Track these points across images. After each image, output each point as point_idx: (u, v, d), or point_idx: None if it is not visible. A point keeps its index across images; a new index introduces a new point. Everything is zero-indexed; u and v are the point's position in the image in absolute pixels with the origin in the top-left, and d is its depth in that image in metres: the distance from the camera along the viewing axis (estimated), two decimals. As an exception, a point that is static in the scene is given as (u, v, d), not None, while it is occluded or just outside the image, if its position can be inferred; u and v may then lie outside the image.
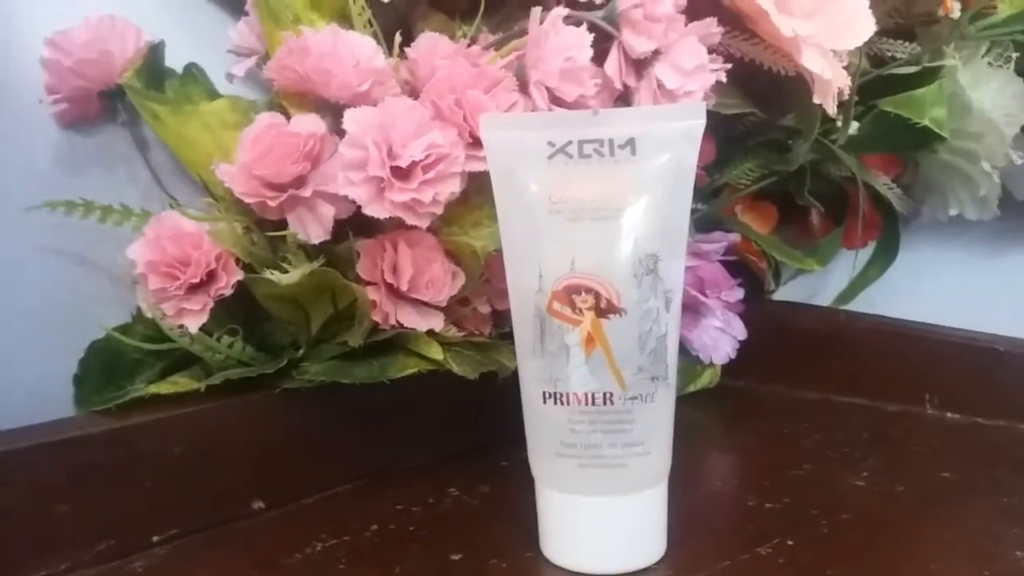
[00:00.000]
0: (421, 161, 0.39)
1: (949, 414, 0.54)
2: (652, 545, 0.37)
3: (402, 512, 0.43)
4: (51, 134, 0.45)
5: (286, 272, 0.41)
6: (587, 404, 0.35)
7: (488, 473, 0.47)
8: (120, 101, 0.46)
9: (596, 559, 0.37)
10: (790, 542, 0.39)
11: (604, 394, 0.35)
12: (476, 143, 0.40)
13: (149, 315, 0.42)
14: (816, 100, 0.45)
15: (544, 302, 0.35)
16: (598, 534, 0.36)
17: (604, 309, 0.35)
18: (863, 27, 0.45)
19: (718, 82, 0.43)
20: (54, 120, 0.45)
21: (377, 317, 0.42)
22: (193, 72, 0.47)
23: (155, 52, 0.46)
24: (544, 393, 0.36)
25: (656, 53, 0.42)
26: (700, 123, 0.36)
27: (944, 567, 0.37)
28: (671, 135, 0.35)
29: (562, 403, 0.36)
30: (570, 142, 0.35)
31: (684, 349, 0.56)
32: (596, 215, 0.35)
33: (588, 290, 0.35)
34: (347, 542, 0.40)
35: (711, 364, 0.58)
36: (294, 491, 0.44)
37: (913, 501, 0.43)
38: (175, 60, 0.47)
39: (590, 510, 0.36)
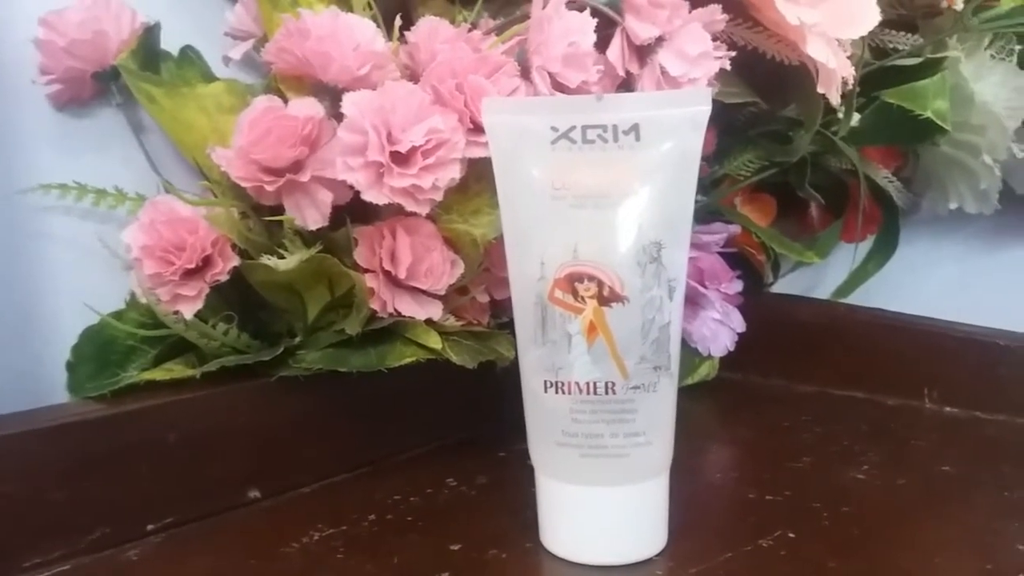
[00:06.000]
0: (421, 146, 0.39)
1: (948, 408, 0.53)
2: (653, 536, 0.37)
3: (400, 502, 0.42)
4: (44, 115, 0.44)
5: (283, 258, 0.40)
6: (589, 393, 0.35)
7: (486, 463, 0.46)
8: (114, 83, 0.45)
9: (597, 550, 0.36)
10: (792, 534, 0.38)
11: (606, 383, 0.35)
12: (477, 129, 0.40)
13: (144, 300, 0.42)
14: (820, 90, 0.45)
15: (546, 290, 0.35)
16: (599, 525, 0.36)
17: (607, 297, 0.34)
18: (868, 16, 0.45)
19: (720, 71, 0.43)
20: (47, 101, 0.44)
21: (375, 305, 0.42)
22: (189, 54, 0.46)
23: (151, 34, 0.45)
24: (545, 382, 0.36)
25: (660, 40, 0.42)
26: (706, 109, 0.35)
27: (947, 560, 0.37)
28: (676, 121, 0.35)
29: (564, 392, 0.35)
30: (574, 127, 0.35)
31: (683, 341, 0.55)
32: (599, 202, 0.35)
33: (591, 278, 0.34)
34: (345, 531, 0.40)
35: (709, 356, 0.57)
36: (291, 480, 0.44)
37: (914, 495, 0.42)
38: (171, 43, 0.46)
39: (591, 500, 0.36)
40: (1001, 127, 0.56)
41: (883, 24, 0.49)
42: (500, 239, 0.39)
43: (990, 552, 0.37)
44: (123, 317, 0.44)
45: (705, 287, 0.56)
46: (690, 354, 0.57)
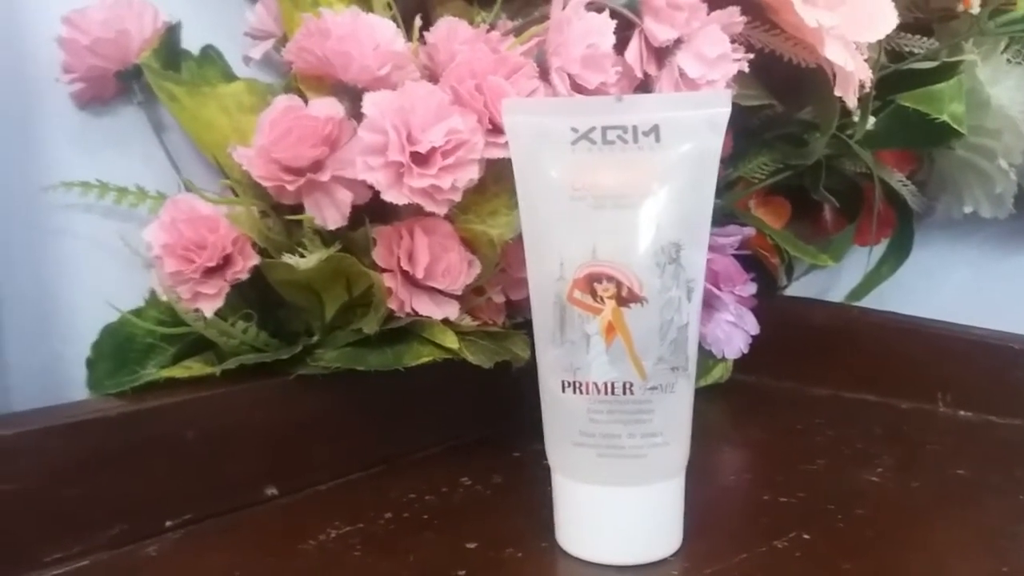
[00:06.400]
0: (441, 147, 0.39)
1: (962, 412, 0.53)
2: (669, 537, 0.37)
3: (416, 500, 0.43)
4: (66, 113, 0.45)
5: (303, 257, 0.40)
6: (607, 393, 0.35)
7: (501, 463, 0.46)
8: (136, 81, 0.45)
9: (612, 550, 0.36)
10: (806, 536, 0.38)
11: (624, 384, 0.35)
12: (496, 129, 0.40)
13: (164, 298, 0.42)
14: (837, 93, 0.45)
15: (565, 290, 0.35)
16: (615, 525, 0.36)
17: (625, 298, 0.35)
18: (886, 20, 0.45)
19: (738, 73, 0.43)
20: (70, 99, 0.45)
21: (392, 304, 0.42)
22: (210, 54, 0.47)
23: (172, 33, 0.46)
24: (563, 382, 0.36)
25: (678, 42, 0.42)
26: (725, 111, 0.35)
27: (961, 563, 0.37)
28: (696, 123, 0.35)
29: (581, 392, 0.35)
30: (594, 128, 0.35)
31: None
32: (619, 202, 0.35)
33: (610, 278, 0.35)
34: (361, 529, 0.40)
35: (723, 359, 0.57)
36: (308, 478, 0.44)
37: (929, 498, 0.42)
38: (191, 42, 0.47)
39: (607, 500, 0.36)
40: (1017, 131, 0.56)
41: (899, 28, 0.49)
42: (516, 240, 0.39)
43: (1005, 555, 0.37)
44: (143, 315, 0.44)
45: (719, 289, 0.56)
46: (703, 356, 0.57)
